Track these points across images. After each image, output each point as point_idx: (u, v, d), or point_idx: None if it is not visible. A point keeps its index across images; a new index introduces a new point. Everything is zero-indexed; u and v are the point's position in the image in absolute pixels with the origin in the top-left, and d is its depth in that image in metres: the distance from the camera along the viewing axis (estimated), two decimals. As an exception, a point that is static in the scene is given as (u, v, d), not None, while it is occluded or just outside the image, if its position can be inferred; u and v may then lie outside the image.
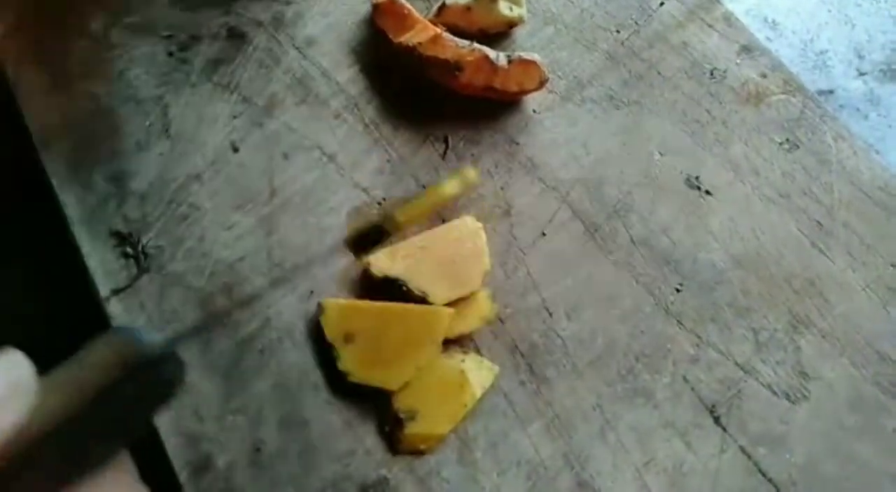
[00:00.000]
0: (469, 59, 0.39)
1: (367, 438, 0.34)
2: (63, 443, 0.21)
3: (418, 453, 0.34)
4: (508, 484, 0.33)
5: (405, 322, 0.34)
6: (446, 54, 0.39)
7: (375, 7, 0.42)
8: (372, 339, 0.34)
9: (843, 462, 0.34)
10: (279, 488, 0.33)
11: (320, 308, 0.35)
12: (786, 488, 0.34)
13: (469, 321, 0.36)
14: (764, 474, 0.34)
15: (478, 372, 0.35)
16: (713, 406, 0.35)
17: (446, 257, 0.36)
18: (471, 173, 0.32)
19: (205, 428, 0.34)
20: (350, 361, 0.34)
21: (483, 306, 0.36)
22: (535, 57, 0.40)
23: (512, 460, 0.34)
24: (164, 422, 0.34)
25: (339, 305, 0.35)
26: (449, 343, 0.35)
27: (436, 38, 0.39)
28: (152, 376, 0.23)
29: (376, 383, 0.34)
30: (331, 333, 0.35)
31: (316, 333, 0.36)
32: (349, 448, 0.34)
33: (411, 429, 0.33)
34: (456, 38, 0.40)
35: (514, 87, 0.40)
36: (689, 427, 0.35)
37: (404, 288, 0.35)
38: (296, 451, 0.34)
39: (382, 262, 0.36)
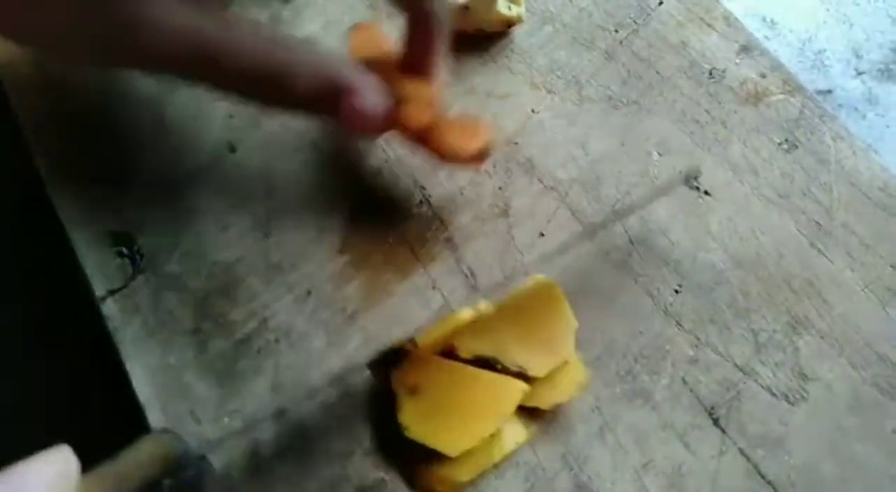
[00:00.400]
0: (414, 94, 0.35)
1: (365, 439, 0.34)
2: None
3: None
4: (506, 486, 0.33)
5: (477, 388, 0.33)
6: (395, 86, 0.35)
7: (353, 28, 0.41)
8: (438, 397, 0.33)
9: (842, 463, 0.34)
10: (276, 490, 0.33)
11: (392, 353, 0.34)
12: (785, 489, 0.34)
13: (564, 390, 0.34)
14: (763, 476, 0.34)
15: (513, 427, 0.33)
16: (712, 408, 0.35)
17: (531, 323, 0.35)
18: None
19: (201, 430, 0.34)
20: (411, 416, 0.33)
21: (576, 372, 0.34)
22: (486, 125, 0.36)
23: (510, 461, 0.34)
24: (160, 424, 0.34)
25: (412, 355, 0.34)
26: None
27: (391, 71, 0.36)
28: (189, 478, 0.25)
29: (434, 444, 0.32)
30: (397, 382, 0.33)
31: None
32: (347, 450, 0.34)
33: (433, 469, 0.32)
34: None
35: (445, 146, 0.35)
36: (688, 428, 0.35)
37: (499, 366, 0.34)
38: (293, 453, 0.33)
39: (466, 341, 0.34)
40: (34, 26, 0.30)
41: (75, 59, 0.37)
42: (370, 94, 0.33)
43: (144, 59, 0.30)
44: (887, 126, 0.56)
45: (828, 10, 0.62)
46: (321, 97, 0.33)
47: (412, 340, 0.33)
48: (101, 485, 0.23)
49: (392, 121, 0.34)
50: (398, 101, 0.34)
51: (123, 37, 0.29)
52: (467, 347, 0.34)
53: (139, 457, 0.24)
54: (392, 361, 0.33)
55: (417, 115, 0.34)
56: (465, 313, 0.34)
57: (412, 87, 0.35)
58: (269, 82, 0.32)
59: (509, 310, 0.35)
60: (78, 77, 0.42)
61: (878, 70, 0.60)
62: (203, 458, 0.26)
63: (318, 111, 0.34)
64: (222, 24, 0.31)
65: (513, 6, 0.43)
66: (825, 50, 0.60)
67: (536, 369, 0.34)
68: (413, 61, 0.36)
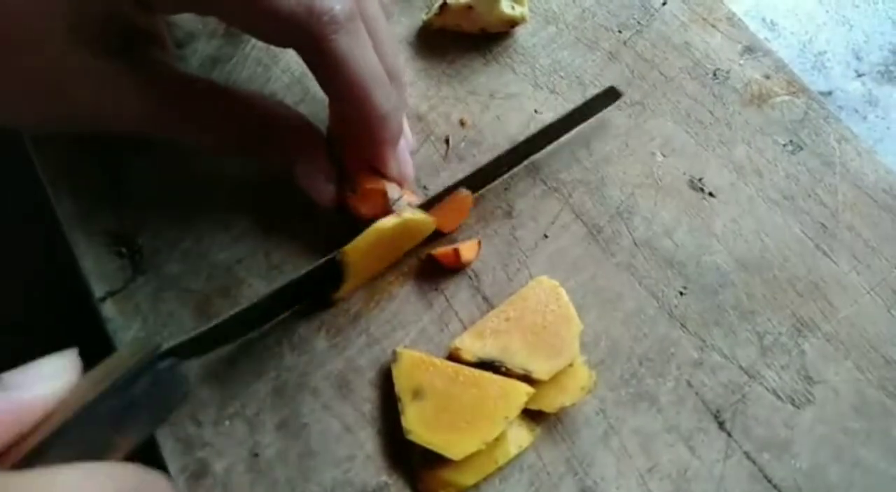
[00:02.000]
0: (367, 187, 0.36)
1: (368, 443, 0.33)
2: (86, 423, 0.24)
3: None
4: (511, 490, 0.33)
5: (481, 391, 0.33)
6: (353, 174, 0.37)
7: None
8: (442, 401, 0.33)
9: (848, 467, 0.34)
10: (278, 495, 0.32)
11: (394, 356, 0.34)
12: (791, 493, 0.33)
13: (570, 393, 0.34)
14: (769, 480, 0.34)
15: (517, 431, 0.33)
16: (717, 411, 0.35)
17: (536, 325, 0.35)
18: (419, 215, 0.34)
19: (202, 433, 0.33)
20: (414, 420, 0.32)
21: (581, 376, 0.34)
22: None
23: (514, 465, 0.33)
24: (162, 428, 0.33)
25: (415, 358, 0.34)
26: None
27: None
28: (162, 370, 0.28)
29: (438, 448, 0.32)
30: (401, 385, 0.33)
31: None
32: (349, 454, 0.33)
33: (436, 472, 0.32)
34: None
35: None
36: (693, 432, 0.34)
37: (503, 369, 0.33)
38: (294, 456, 0.33)
39: (470, 344, 0.34)
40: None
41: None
42: (320, 181, 0.36)
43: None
44: (888, 128, 0.55)
45: (828, 12, 0.62)
46: (283, 159, 0.36)
47: (341, 252, 0.33)
48: (92, 381, 0.25)
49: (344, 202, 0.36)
50: (352, 189, 0.36)
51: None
52: (471, 351, 0.34)
53: (122, 358, 0.27)
54: (329, 279, 0.33)
55: (366, 208, 0.36)
56: (389, 221, 0.34)
57: (367, 180, 0.36)
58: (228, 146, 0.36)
59: (513, 312, 0.35)
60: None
61: (879, 72, 0.60)
62: (175, 353, 0.29)
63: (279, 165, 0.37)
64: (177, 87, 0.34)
65: (516, 6, 0.42)
66: (825, 52, 0.60)
67: (541, 372, 0.33)
68: (348, 151, 0.37)
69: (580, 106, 0.39)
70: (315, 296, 0.36)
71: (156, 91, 0.33)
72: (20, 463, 0.22)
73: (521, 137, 0.38)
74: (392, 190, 0.35)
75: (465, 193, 0.37)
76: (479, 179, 0.38)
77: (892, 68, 0.59)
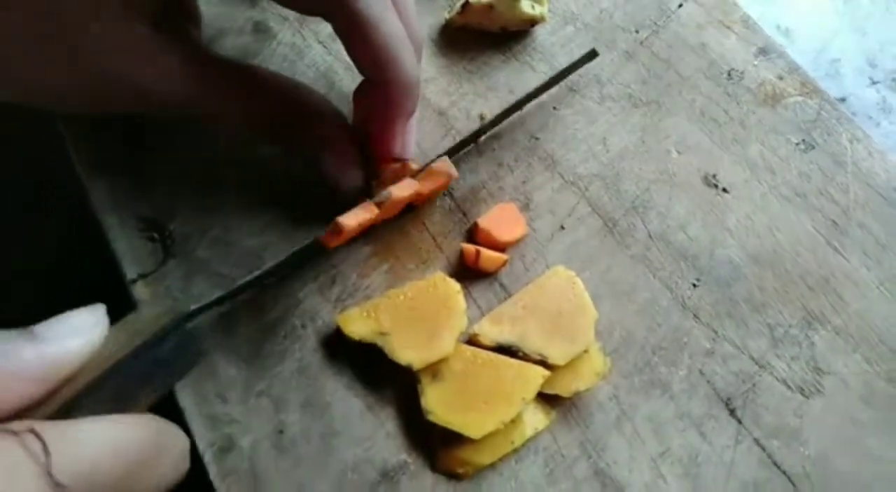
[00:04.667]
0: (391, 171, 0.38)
1: (388, 422, 0.35)
2: (117, 379, 0.25)
3: (455, 475, 0.34)
4: (526, 470, 0.34)
5: (499, 373, 0.34)
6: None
7: None
8: (461, 382, 0.34)
9: (856, 456, 0.35)
10: (301, 470, 0.33)
11: None
12: (799, 480, 0.34)
13: (584, 378, 0.35)
14: (778, 466, 0.34)
15: (534, 414, 0.34)
16: (728, 399, 0.36)
17: (552, 313, 0.36)
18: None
19: (229, 410, 0.34)
20: (434, 400, 0.33)
21: (596, 362, 0.35)
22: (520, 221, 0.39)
23: (530, 447, 0.34)
24: (189, 404, 0.35)
25: None
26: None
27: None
28: (190, 332, 0.30)
29: (456, 427, 0.33)
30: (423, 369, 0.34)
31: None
32: (370, 432, 0.34)
33: (454, 452, 0.33)
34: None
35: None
36: (704, 419, 0.35)
37: (520, 354, 0.35)
38: (317, 434, 0.34)
39: (489, 329, 0.35)
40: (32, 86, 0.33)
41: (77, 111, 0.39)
42: (347, 166, 0.37)
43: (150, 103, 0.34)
44: (902, 134, 0.56)
45: (842, 19, 0.63)
46: (310, 146, 0.37)
47: (336, 223, 0.34)
48: (119, 338, 0.26)
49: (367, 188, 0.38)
50: (375, 176, 0.38)
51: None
52: (489, 336, 0.35)
53: (146, 316, 0.28)
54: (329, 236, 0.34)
55: (389, 206, 0.36)
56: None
57: (390, 169, 0.38)
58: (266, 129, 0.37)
59: (530, 300, 0.36)
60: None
61: (893, 79, 0.60)
62: (199, 311, 0.31)
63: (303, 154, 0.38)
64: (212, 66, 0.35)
65: (536, 5, 0.44)
66: (839, 59, 0.61)
67: (557, 357, 0.34)
68: (373, 133, 0.37)
69: (561, 71, 0.42)
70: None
71: (197, 69, 0.34)
72: (54, 415, 0.23)
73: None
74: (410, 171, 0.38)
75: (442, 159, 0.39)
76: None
77: (905, 76, 0.60)
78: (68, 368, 0.23)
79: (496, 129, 0.42)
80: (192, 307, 0.31)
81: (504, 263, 0.38)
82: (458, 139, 0.41)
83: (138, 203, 0.39)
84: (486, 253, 0.37)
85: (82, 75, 0.32)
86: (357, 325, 0.35)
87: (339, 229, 0.34)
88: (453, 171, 0.38)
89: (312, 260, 0.38)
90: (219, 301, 0.33)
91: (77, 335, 0.24)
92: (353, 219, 0.34)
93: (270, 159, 0.40)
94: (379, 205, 0.35)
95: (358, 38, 0.33)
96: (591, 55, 0.42)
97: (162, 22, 0.33)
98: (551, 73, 0.44)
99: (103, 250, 0.38)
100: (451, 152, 0.40)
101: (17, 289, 0.47)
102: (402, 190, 0.36)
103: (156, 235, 0.38)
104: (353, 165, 0.37)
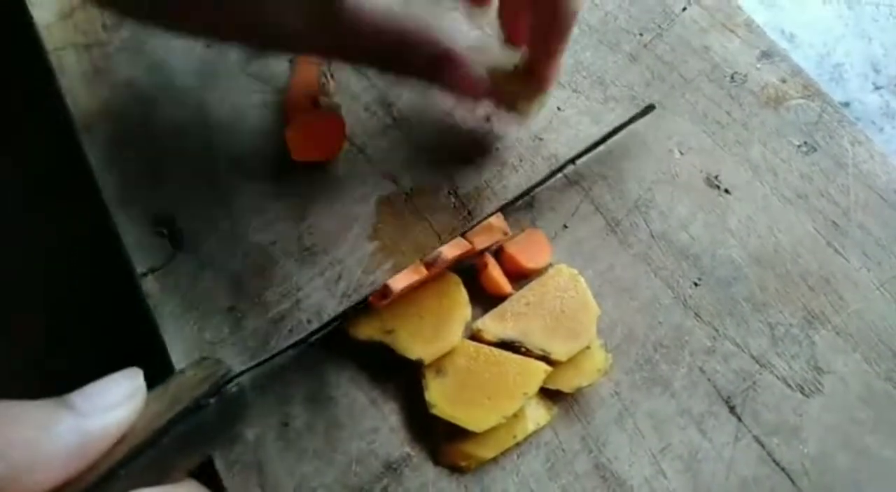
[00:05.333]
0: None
1: (392, 416, 0.35)
2: (154, 449, 0.25)
3: (457, 468, 0.34)
4: (527, 464, 0.34)
5: (502, 368, 0.34)
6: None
7: None
8: (464, 377, 0.34)
9: (854, 454, 0.35)
10: (305, 462, 0.34)
11: None
12: (798, 477, 0.35)
13: (586, 375, 0.35)
14: (777, 463, 0.35)
15: (535, 409, 0.35)
16: (728, 397, 0.36)
17: (555, 310, 0.36)
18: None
19: (235, 402, 0.35)
20: (437, 394, 0.34)
21: (597, 358, 0.36)
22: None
23: (531, 441, 0.35)
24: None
25: None
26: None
27: None
28: (231, 395, 0.29)
29: (459, 421, 0.33)
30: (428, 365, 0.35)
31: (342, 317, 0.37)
32: (374, 426, 0.35)
33: (457, 445, 0.34)
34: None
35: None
36: (704, 416, 0.36)
37: (523, 349, 0.35)
38: (322, 427, 0.35)
39: (492, 325, 0.36)
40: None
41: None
42: (473, 69, 0.36)
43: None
44: (904, 139, 0.56)
45: (847, 25, 0.63)
46: (437, 67, 0.36)
47: (385, 287, 0.34)
48: (158, 404, 0.25)
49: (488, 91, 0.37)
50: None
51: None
52: (492, 332, 0.36)
53: (187, 379, 0.27)
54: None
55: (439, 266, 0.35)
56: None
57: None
58: (395, 54, 0.35)
59: (533, 298, 0.37)
60: (125, 67, 0.44)
61: (896, 85, 0.61)
62: (241, 374, 0.30)
63: (431, 79, 0.37)
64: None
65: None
66: (843, 64, 0.61)
67: (559, 353, 0.35)
68: (533, 60, 0.37)
69: (621, 124, 0.41)
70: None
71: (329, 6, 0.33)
72: (91, 488, 0.22)
73: (567, 157, 0.41)
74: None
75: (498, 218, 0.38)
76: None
77: (909, 81, 0.60)
78: (108, 441, 0.23)
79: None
80: (235, 371, 0.30)
81: (507, 296, 0.38)
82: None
83: (148, 199, 0.40)
84: (496, 280, 0.37)
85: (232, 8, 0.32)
86: (362, 325, 0.36)
87: (388, 292, 0.34)
88: (505, 227, 0.38)
89: (359, 313, 0.36)
90: (261, 364, 0.33)
91: (116, 408, 0.23)
92: (400, 282, 0.34)
93: (277, 155, 0.40)
94: (429, 266, 0.35)
95: None
96: (648, 109, 0.42)
97: None
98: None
99: (114, 246, 0.39)
100: (505, 205, 0.39)
101: (23, 290, 0.48)
102: (453, 249, 0.36)
103: (165, 231, 0.39)
104: (474, 89, 0.37)
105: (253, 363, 0.32)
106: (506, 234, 0.37)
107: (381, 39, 0.35)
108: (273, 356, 0.34)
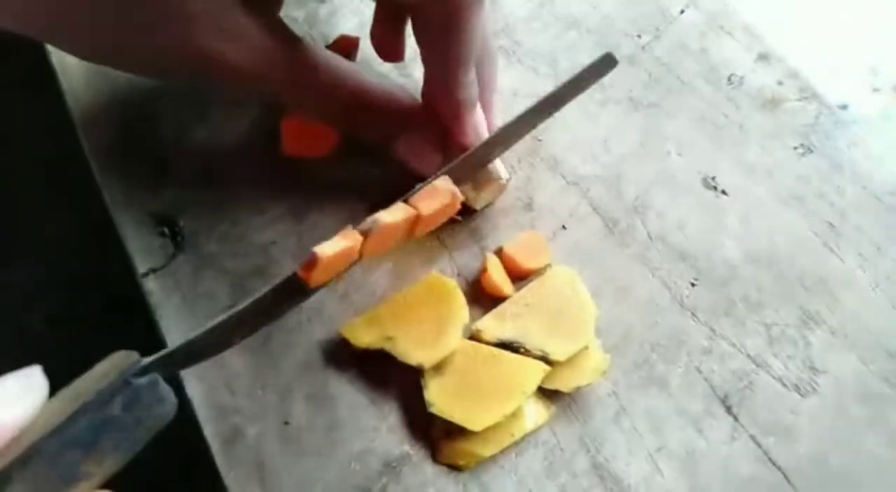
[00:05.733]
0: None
1: (391, 415, 0.35)
2: (53, 450, 0.22)
3: (456, 467, 0.34)
4: (526, 463, 0.35)
5: (501, 368, 0.35)
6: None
7: None
8: (462, 376, 0.35)
9: (849, 453, 0.36)
10: (306, 460, 0.34)
11: None
12: (794, 475, 0.35)
13: (584, 374, 0.35)
14: (773, 462, 0.35)
15: (534, 408, 0.35)
16: (725, 396, 0.37)
17: (553, 310, 0.36)
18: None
19: (236, 402, 0.35)
20: (436, 393, 0.34)
21: (595, 358, 0.36)
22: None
23: (530, 441, 0.35)
24: (197, 395, 0.35)
25: None
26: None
27: None
28: (138, 388, 0.25)
29: (457, 420, 0.33)
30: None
31: (343, 316, 0.37)
32: (373, 424, 0.35)
33: (455, 444, 0.34)
34: None
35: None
36: (701, 415, 0.36)
37: (522, 349, 0.35)
38: (322, 425, 0.35)
39: (491, 326, 0.36)
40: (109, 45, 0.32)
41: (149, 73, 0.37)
42: (427, 150, 0.38)
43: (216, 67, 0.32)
44: (902, 142, 0.57)
45: (844, 27, 0.64)
46: (386, 133, 0.37)
47: (314, 255, 0.29)
48: (62, 402, 0.23)
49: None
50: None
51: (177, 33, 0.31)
52: (492, 332, 0.36)
53: (93, 374, 0.25)
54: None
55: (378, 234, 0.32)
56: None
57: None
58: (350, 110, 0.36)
59: (532, 298, 0.37)
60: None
61: (894, 88, 0.61)
62: (155, 368, 0.26)
63: (380, 142, 0.38)
64: (290, 42, 0.34)
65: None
66: (841, 66, 0.61)
67: (558, 353, 0.35)
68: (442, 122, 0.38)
69: (576, 75, 0.38)
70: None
71: (277, 44, 0.33)
72: None
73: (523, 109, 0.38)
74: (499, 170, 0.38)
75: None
76: (487, 153, 0.38)
77: (907, 84, 0.61)
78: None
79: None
80: (143, 362, 0.26)
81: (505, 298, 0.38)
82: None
83: (149, 200, 0.40)
84: (497, 283, 0.37)
85: (166, 43, 0.31)
86: (362, 334, 0.36)
87: (314, 261, 0.29)
88: (454, 190, 0.35)
89: (294, 301, 0.33)
90: (172, 354, 0.28)
91: (9, 405, 0.22)
92: (329, 249, 0.30)
93: (278, 156, 0.41)
94: (364, 233, 0.31)
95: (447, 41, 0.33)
96: (609, 62, 0.38)
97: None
98: (554, 76, 0.45)
99: (115, 246, 0.39)
100: (453, 169, 0.36)
101: (23, 291, 0.48)
102: (393, 215, 0.32)
103: (166, 231, 0.39)
104: (430, 150, 0.38)
105: (162, 354, 0.27)
106: (454, 196, 0.34)
107: (337, 94, 0.36)
108: (186, 346, 0.28)
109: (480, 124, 0.38)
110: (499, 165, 0.39)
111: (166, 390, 0.26)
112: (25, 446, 0.21)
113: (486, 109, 0.39)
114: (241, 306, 0.29)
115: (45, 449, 0.22)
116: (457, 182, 0.35)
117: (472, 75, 0.35)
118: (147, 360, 0.26)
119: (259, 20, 0.32)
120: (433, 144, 0.38)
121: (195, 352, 0.29)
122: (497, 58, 0.39)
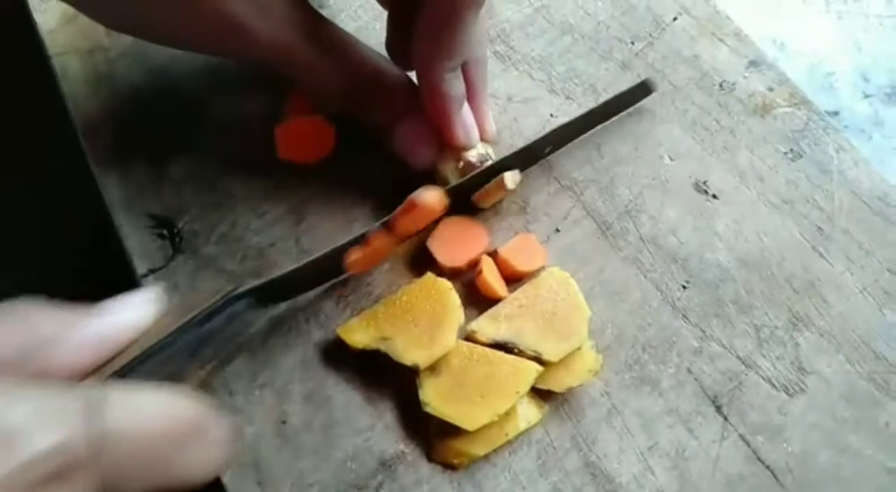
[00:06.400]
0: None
1: (387, 414, 0.36)
2: (168, 350, 0.27)
3: (450, 465, 0.35)
4: (519, 462, 0.35)
5: (494, 368, 0.35)
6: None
7: None
8: (457, 376, 0.35)
9: (837, 452, 0.36)
10: (303, 459, 0.35)
11: None
12: (782, 474, 0.36)
13: (577, 375, 0.36)
14: (762, 461, 0.36)
15: (527, 407, 0.36)
16: (715, 396, 0.37)
17: (547, 311, 0.37)
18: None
19: (234, 401, 0.36)
20: (431, 393, 0.35)
21: (588, 359, 0.36)
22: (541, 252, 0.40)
23: (523, 440, 0.36)
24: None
25: None
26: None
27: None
28: (237, 311, 0.32)
29: (452, 419, 0.34)
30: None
31: (340, 317, 0.38)
32: (369, 423, 0.36)
33: (450, 443, 0.35)
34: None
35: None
36: (691, 415, 0.37)
37: (516, 350, 0.36)
38: (319, 424, 0.36)
39: (486, 327, 0.37)
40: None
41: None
42: (421, 144, 0.39)
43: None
44: (893, 148, 0.58)
45: (837, 33, 0.64)
46: (390, 117, 0.39)
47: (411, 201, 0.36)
48: (175, 314, 0.28)
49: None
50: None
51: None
52: (486, 333, 0.37)
53: (200, 296, 0.31)
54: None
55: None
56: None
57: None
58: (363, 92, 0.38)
59: (526, 300, 0.38)
60: (128, 72, 0.44)
61: (886, 93, 0.62)
62: (245, 295, 0.32)
63: (382, 125, 0.40)
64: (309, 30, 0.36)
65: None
66: (833, 72, 0.62)
67: (551, 354, 0.36)
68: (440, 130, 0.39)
69: (613, 98, 0.42)
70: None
71: (302, 19, 0.36)
72: (111, 380, 0.25)
73: (549, 128, 0.41)
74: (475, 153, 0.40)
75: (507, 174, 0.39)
76: (519, 161, 0.40)
77: (898, 90, 0.61)
78: (123, 337, 0.25)
79: (497, 134, 0.43)
80: (239, 290, 0.32)
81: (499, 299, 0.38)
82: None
83: (149, 202, 0.41)
84: (492, 285, 0.38)
85: (200, 17, 0.34)
86: (358, 335, 0.36)
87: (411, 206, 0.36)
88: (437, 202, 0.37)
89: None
90: (262, 287, 0.33)
91: (136, 309, 0.26)
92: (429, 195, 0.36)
93: (277, 158, 0.41)
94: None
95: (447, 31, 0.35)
96: (644, 90, 0.44)
97: None
98: (548, 81, 0.46)
99: (115, 247, 0.40)
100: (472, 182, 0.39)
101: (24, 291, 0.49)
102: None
103: (165, 232, 0.40)
104: (424, 143, 0.39)
105: (259, 282, 0.33)
106: (434, 212, 0.37)
107: (361, 71, 0.38)
108: (271, 280, 0.34)
109: (472, 128, 0.39)
110: (516, 175, 0.39)
111: (256, 313, 0.33)
112: (144, 347, 0.26)
113: (479, 115, 0.40)
114: (317, 255, 0.35)
115: (161, 349, 0.27)
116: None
117: (457, 71, 0.36)
118: (241, 289, 0.32)
119: None
120: (429, 138, 0.39)
121: (278, 289, 0.35)
122: (487, 63, 0.40)
